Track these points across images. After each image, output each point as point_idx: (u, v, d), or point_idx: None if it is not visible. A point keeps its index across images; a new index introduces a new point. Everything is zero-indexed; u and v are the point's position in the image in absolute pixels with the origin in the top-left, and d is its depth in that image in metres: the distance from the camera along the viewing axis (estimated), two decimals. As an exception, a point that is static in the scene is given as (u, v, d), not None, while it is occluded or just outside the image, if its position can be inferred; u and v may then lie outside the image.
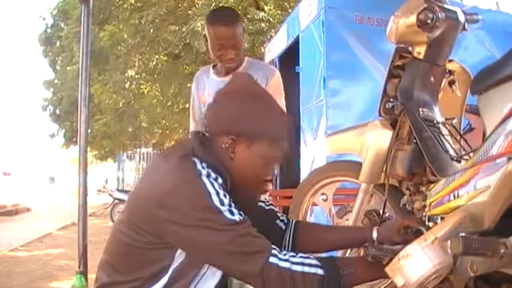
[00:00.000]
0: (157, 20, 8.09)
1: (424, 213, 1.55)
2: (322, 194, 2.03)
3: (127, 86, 10.00)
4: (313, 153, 3.95)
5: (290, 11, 6.57)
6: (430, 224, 1.52)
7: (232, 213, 1.16)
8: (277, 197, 4.16)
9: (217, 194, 1.16)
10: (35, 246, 7.85)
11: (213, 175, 1.19)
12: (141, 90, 10.38)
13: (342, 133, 1.98)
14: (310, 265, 1.18)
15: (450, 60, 1.73)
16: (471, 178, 1.33)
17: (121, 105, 10.69)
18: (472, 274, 1.31)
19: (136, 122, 12.78)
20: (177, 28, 7.91)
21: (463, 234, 1.29)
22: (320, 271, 1.17)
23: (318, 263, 1.18)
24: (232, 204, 1.18)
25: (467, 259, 1.31)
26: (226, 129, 1.25)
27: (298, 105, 4.22)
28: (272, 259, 1.14)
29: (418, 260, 1.25)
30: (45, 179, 22.87)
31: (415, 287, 1.24)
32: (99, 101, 10.69)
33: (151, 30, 8.32)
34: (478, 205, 1.31)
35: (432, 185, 1.54)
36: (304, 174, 3.74)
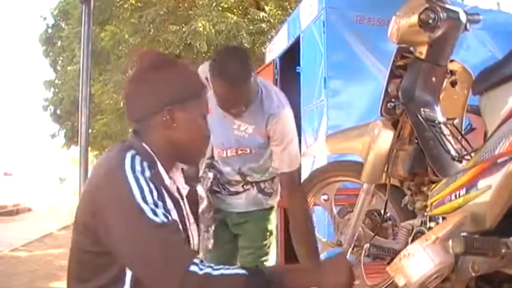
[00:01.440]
0: (157, 20, 8.10)
1: (425, 213, 1.55)
2: (324, 194, 2.03)
3: (128, 86, 9.99)
4: (314, 154, 3.94)
5: (291, 11, 6.58)
6: (432, 224, 1.52)
7: (155, 213, 1.10)
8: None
9: (141, 189, 1.11)
10: (35, 246, 7.86)
11: (138, 168, 1.14)
12: (142, 90, 10.37)
13: (342, 133, 1.98)
14: (231, 269, 1.13)
15: (452, 61, 1.73)
16: (473, 178, 1.34)
17: (122, 105, 10.68)
18: (473, 274, 1.32)
19: (137, 122, 12.76)
20: (178, 28, 7.91)
21: (464, 234, 1.29)
22: (242, 271, 1.13)
23: (241, 270, 1.14)
24: (159, 204, 1.13)
25: (469, 259, 1.31)
26: (159, 105, 1.23)
27: (299, 105, 4.21)
28: (193, 267, 1.08)
29: (419, 259, 1.25)
30: (53, 180, 22.87)
31: (416, 287, 1.25)
32: (100, 101, 10.69)
33: (152, 30, 8.32)
34: (480, 205, 1.31)
35: (434, 185, 1.54)
36: (305, 175, 3.74)
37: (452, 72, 1.73)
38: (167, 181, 1.24)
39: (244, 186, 2.07)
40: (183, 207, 1.30)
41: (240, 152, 1.98)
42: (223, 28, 7.38)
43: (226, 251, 2.12)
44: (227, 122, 1.91)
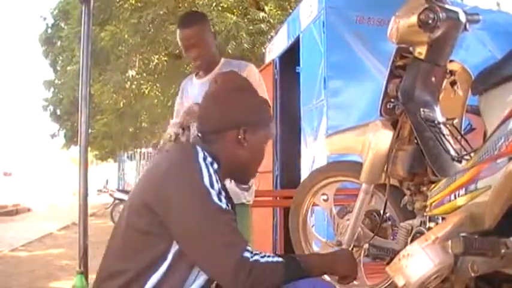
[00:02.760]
0: (157, 20, 8.09)
1: (425, 214, 1.55)
2: (323, 194, 2.03)
3: (127, 86, 9.99)
4: (313, 154, 3.94)
5: (290, 11, 6.57)
6: (431, 224, 1.52)
7: (219, 199, 1.21)
8: (278, 198, 4.16)
9: (210, 176, 1.22)
10: (35, 246, 7.86)
11: (209, 159, 1.27)
12: (142, 90, 10.38)
13: (342, 133, 1.98)
14: (272, 257, 1.24)
15: (451, 61, 1.73)
16: (472, 178, 1.34)
17: (121, 105, 10.68)
18: (472, 274, 1.32)
19: (137, 122, 12.78)
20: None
21: (463, 234, 1.29)
22: (280, 259, 1.24)
23: (279, 257, 1.25)
24: (223, 193, 1.23)
25: (468, 259, 1.31)
26: (236, 122, 1.36)
27: (299, 105, 4.21)
28: (246, 253, 1.18)
29: (419, 260, 1.25)
30: (53, 180, 22.96)
31: (415, 287, 1.25)
32: (100, 101, 10.68)
33: (152, 31, 8.31)
34: (479, 205, 1.31)
35: (433, 185, 1.54)
36: (304, 175, 3.74)
37: (451, 73, 1.73)
38: (225, 181, 1.36)
39: None
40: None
41: None
42: (223, 28, 7.37)
43: None
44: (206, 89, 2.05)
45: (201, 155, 1.26)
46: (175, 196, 1.20)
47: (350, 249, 1.77)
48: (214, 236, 1.17)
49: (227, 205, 1.23)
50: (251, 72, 2.28)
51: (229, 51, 7.07)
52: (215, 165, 1.27)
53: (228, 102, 1.39)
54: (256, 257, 1.18)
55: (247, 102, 1.40)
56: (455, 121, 1.73)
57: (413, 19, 1.58)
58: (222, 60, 2.33)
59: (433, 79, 1.66)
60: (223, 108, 1.38)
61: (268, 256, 1.22)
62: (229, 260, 1.15)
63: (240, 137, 1.35)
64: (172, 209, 1.20)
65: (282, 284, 1.20)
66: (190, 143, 1.39)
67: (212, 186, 1.21)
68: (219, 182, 1.24)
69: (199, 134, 1.41)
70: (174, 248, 1.22)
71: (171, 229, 1.21)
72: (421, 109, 1.61)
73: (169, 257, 1.22)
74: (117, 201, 10.99)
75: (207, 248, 1.18)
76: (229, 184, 2.13)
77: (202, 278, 1.26)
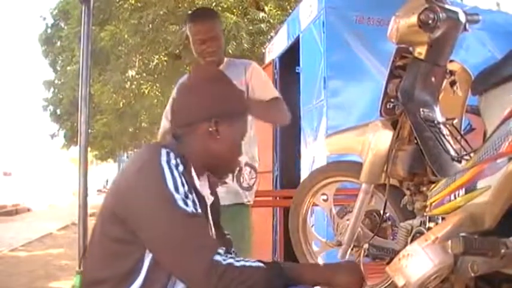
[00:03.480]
0: (157, 20, 8.09)
1: (424, 214, 1.55)
2: (323, 194, 2.03)
3: (127, 86, 9.99)
4: (313, 154, 3.95)
5: (290, 11, 6.57)
6: (431, 224, 1.52)
7: (186, 203, 1.16)
8: (278, 198, 4.16)
9: (174, 180, 1.17)
10: (35, 246, 7.86)
11: (173, 161, 1.20)
12: (142, 91, 10.38)
13: (342, 133, 1.98)
14: (251, 262, 1.19)
15: (451, 61, 1.73)
16: (472, 178, 1.34)
17: (121, 105, 10.68)
18: (472, 274, 1.32)
19: (136, 122, 12.78)
20: (178, 28, 7.90)
21: (463, 234, 1.29)
22: (261, 265, 1.19)
23: (260, 263, 1.20)
24: (190, 196, 1.18)
25: (468, 259, 1.31)
26: (208, 114, 1.30)
27: (299, 105, 4.21)
28: (217, 257, 1.13)
29: (418, 260, 1.25)
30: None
31: (415, 287, 1.25)
32: (100, 101, 10.68)
33: (151, 31, 8.31)
34: (479, 205, 1.31)
35: (433, 185, 1.54)
36: (304, 175, 3.74)
37: (451, 73, 1.73)
38: (197, 183, 1.28)
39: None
40: (208, 214, 1.34)
41: None
42: (223, 28, 7.38)
43: None
44: None
45: (164, 158, 1.19)
46: (140, 203, 1.16)
47: (350, 249, 1.78)
48: (182, 241, 1.13)
49: (195, 208, 1.17)
50: (256, 69, 2.26)
51: (229, 51, 7.08)
52: (180, 167, 1.20)
53: (198, 94, 1.32)
54: (230, 261, 1.13)
55: (219, 93, 1.33)
56: (455, 121, 1.73)
57: (413, 19, 1.58)
58: (226, 59, 2.31)
59: (433, 79, 1.66)
60: (193, 100, 1.32)
61: (247, 261, 1.17)
62: (198, 264, 1.11)
63: (210, 129, 1.29)
64: (138, 218, 1.16)
65: None
66: (156, 145, 1.32)
67: (177, 190, 1.16)
68: (185, 185, 1.18)
69: (172, 129, 1.36)
70: (149, 255, 1.19)
71: (141, 237, 1.17)
72: (421, 109, 1.61)
73: (146, 264, 1.19)
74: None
75: (176, 254, 1.13)
76: (232, 183, 2.15)
77: (180, 286, 1.22)
